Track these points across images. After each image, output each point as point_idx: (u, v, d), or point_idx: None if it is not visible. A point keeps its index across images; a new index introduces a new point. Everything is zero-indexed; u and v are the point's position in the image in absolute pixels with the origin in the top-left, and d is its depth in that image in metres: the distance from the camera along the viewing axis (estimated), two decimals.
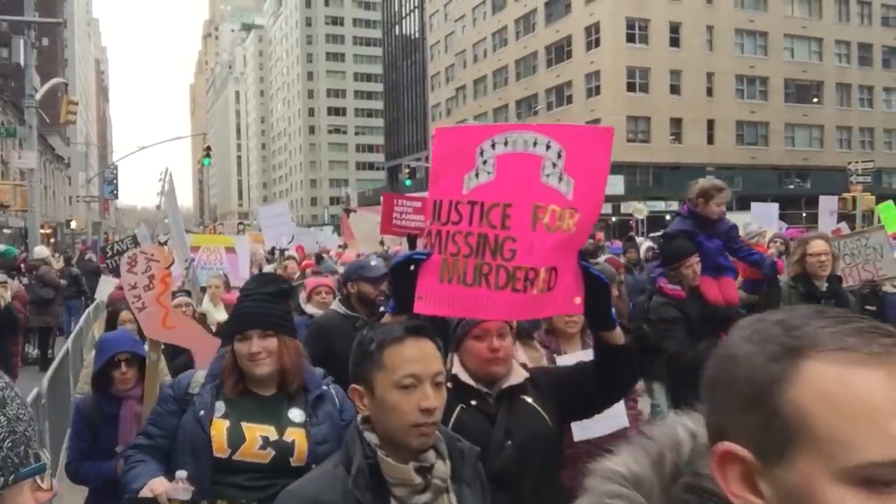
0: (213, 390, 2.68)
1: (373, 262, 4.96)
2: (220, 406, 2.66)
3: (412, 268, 2.27)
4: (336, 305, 5.08)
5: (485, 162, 2.25)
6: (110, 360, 3.79)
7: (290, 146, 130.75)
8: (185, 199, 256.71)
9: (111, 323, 5.72)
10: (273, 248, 14.37)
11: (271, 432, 2.62)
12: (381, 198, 9.83)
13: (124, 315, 5.57)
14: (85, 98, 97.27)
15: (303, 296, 6.74)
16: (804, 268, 5.13)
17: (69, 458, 3.93)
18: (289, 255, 12.44)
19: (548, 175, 2.21)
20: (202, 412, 2.62)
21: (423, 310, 2.24)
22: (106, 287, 10.16)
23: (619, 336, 2.36)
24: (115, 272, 12.98)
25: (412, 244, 8.46)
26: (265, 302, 2.72)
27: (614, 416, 3.32)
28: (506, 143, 2.24)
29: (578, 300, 2.25)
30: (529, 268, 2.16)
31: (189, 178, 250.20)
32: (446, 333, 4.66)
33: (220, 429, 2.61)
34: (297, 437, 2.63)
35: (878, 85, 58.39)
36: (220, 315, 7.24)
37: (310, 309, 6.13)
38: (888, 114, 58.93)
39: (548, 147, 2.23)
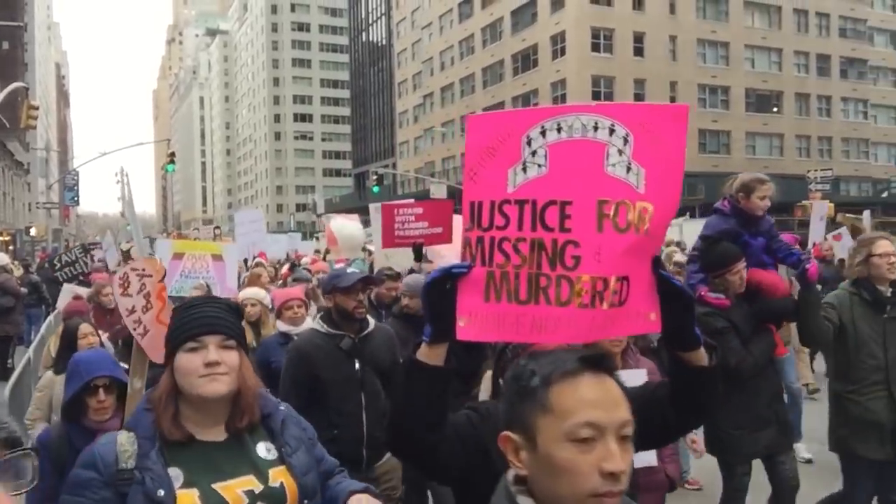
0: (158, 456, 2.00)
1: (348, 270, 4.51)
2: (177, 473, 2.00)
3: (448, 285, 1.89)
4: (315, 323, 4.54)
5: (534, 153, 1.91)
6: (86, 386, 3.26)
7: (256, 152, 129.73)
8: (148, 205, 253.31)
9: (68, 340, 5.12)
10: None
11: (253, 483, 2.07)
12: (381, 209, 9.07)
13: (84, 329, 5.17)
14: (45, 103, 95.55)
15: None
16: (869, 271, 4.60)
17: (29, 502, 3.34)
18: (257, 261, 11.77)
19: (613, 165, 1.88)
20: (160, 492, 1.94)
21: (468, 335, 1.89)
22: (67, 297, 9.50)
23: (702, 356, 1.97)
24: (74, 280, 12.66)
25: (419, 254, 8.26)
26: (222, 309, 2.20)
27: (645, 454, 3.07)
28: (559, 129, 1.90)
29: (654, 316, 1.91)
30: (598, 277, 1.84)
31: (152, 185, 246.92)
32: (478, 360, 4.43)
33: (190, 502, 1.98)
34: (282, 478, 2.11)
35: (835, 95, 59.81)
36: None
37: (282, 326, 5.57)
38: (845, 123, 60.37)
39: (611, 131, 1.89)
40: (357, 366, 4.24)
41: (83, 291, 9.22)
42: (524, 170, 1.90)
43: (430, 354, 1.91)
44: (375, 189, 53.64)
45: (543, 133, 1.91)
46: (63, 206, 57.63)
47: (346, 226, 13.41)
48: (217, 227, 28.69)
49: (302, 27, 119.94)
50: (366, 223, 12.90)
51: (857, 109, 61.39)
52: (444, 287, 1.90)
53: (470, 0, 63.27)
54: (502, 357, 2.39)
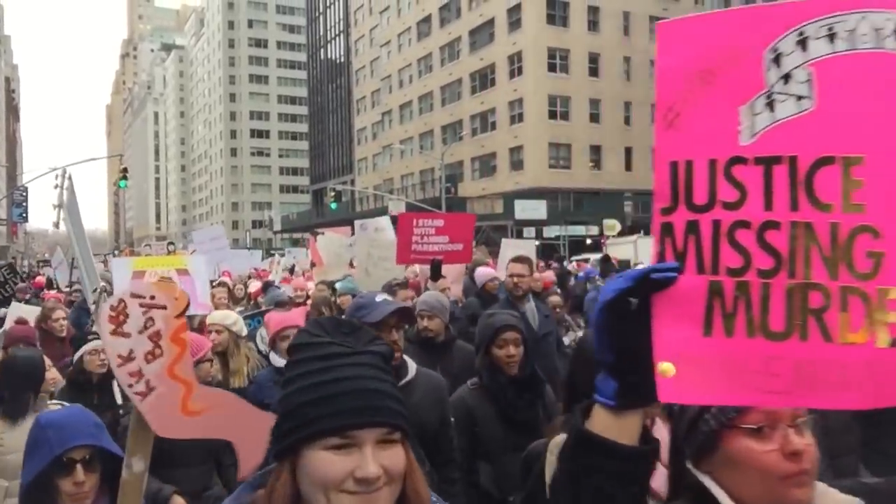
0: None
1: (378, 298, 3.37)
2: None
3: (632, 300, 1.14)
4: None
5: (787, 77, 1.14)
6: (57, 461, 2.36)
7: (212, 168, 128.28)
8: (100, 222, 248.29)
9: (19, 377, 3.91)
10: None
11: None
12: (399, 220, 8.19)
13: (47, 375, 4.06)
14: None
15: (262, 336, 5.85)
16: None
17: None
18: (220, 279, 10.83)
19: None
20: None
21: (678, 395, 1.13)
22: (16, 315, 8.21)
23: None
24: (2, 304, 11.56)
25: (436, 272, 7.13)
26: (377, 368, 1.31)
27: None
28: (831, 36, 1.11)
29: None
30: None
31: (104, 201, 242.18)
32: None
33: None
34: None
35: None
36: None
37: (277, 360, 4.56)
38: None
39: None
40: None
41: (31, 312, 8.03)
42: (771, 106, 1.15)
43: (616, 427, 1.16)
44: (333, 205, 53.49)
45: (804, 42, 1.13)
46: (10, 222, 56.20)
47: (332, 241, 12.65)
48: (171, 244, 27.06)
49: (259, 43, 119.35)
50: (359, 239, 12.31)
51: None
52: (627, 307, 1.14)
53: (428, 19, 63.73)
54: (697, 426, 1.43)
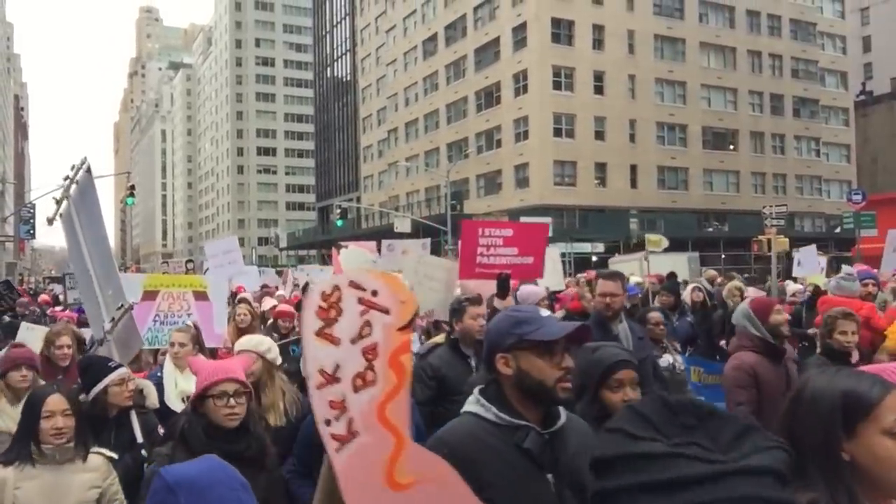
0: None
1: (543, 312, 2.52)
2: None
3: None
4: (475, 403, 2.40)
5: None
6: None
7: (218, 186, 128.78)
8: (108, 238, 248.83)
9: (27, 418, 3.42)
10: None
11: None
12: (462, 227, 7.31)
13: (53, 403, 3.37)
14: (2, 135, 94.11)
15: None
16: None
17: None
18: (241, 296, 9.97)
19: None
20: None
21: None
22: (28, 337, 7.18)
23: None
24: (33, 318, 11.07)
25: (504, 288, 6.51)
26: None
27: None
28: None
29: None
30: None
31: (111, 218, 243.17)
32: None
33: None
34: None
35: (789, 133, 61.52)
36: (187, 385, 4.78)
37: None
38: (799, 161, 62.06)
39: None
40: (551, 480, 2.31)
41: (41, 333, 7.02)
42: None
43: None
44: (339, 223, 53.60)
45: None
46: (18, 239, 56.45)
47: (357, 255, 11.66)
48: (190, 261, 25.03)
49: (266, 62, 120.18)
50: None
51: (810, 147, 63.20)
52: None
53: (434, 38, 64.14)
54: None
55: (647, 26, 55.02)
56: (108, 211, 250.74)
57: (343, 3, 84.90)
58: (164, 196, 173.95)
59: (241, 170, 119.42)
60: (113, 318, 4.87)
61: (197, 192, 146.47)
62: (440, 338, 5.63)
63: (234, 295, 10.53)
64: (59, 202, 5.15)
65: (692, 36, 57.09)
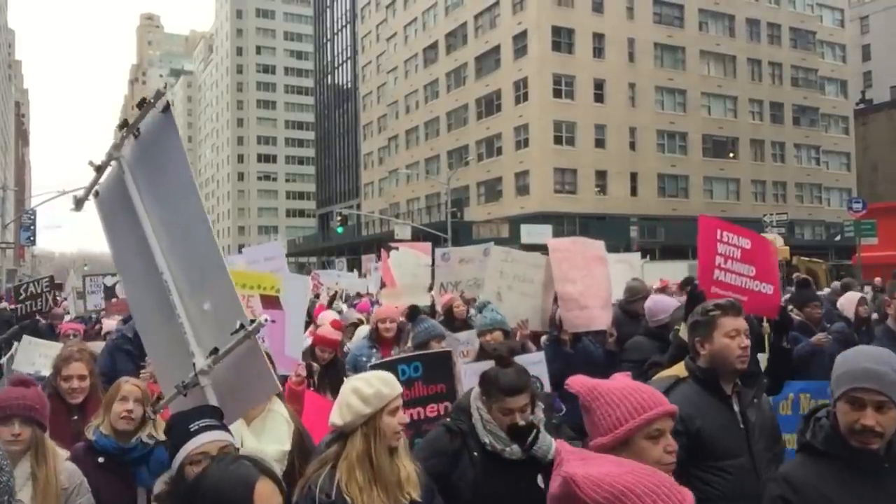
0: None
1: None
2: None
3: None
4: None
5: None
6: None
7: (219, 192, 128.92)
8: (107, 245, 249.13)
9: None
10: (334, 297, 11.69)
11: None
12: (700, 222, 5.53)
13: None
14: (3, 141, 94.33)
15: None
16: None
17: None
18: (331, 291, 9.28)
19: None
20: None
21: None
22: (30, 353, 6.55)
23: None
24: (33, 328, 10.50)
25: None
26: None
27: None
28: None
29: None
30: None
31: None
32: None
33: None
34: None
35: (788, 141, 61.61)
36: (259, 443, 3.62)
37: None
38: (799, 168, 62.13)
39: None
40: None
41: (48, 349, 6.44)
42: None
43: None
44: (339, 230, 53.64)
45: None
46: (18, 245, 56.48)
47: (408, 257, 10.55)
48: None
49: (267, 69, 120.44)
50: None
51: (810, 155, 63.28)
52: None
53: (435, 46, 64.29)
54: None
55: (648, 34, 55.17)
56: None
57: (344, 11, 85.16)
58: None
59: (241, 176, 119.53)
60: (215, 351, 2.93)
61: None
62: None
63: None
64: (100, 169, 3.44)
65: (692, 44, 57.23)
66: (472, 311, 8.22)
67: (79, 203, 3.59)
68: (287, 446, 3.63)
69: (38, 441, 3.22)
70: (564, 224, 50.74)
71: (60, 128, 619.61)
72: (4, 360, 8.41)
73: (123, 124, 3.12)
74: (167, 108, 2.99)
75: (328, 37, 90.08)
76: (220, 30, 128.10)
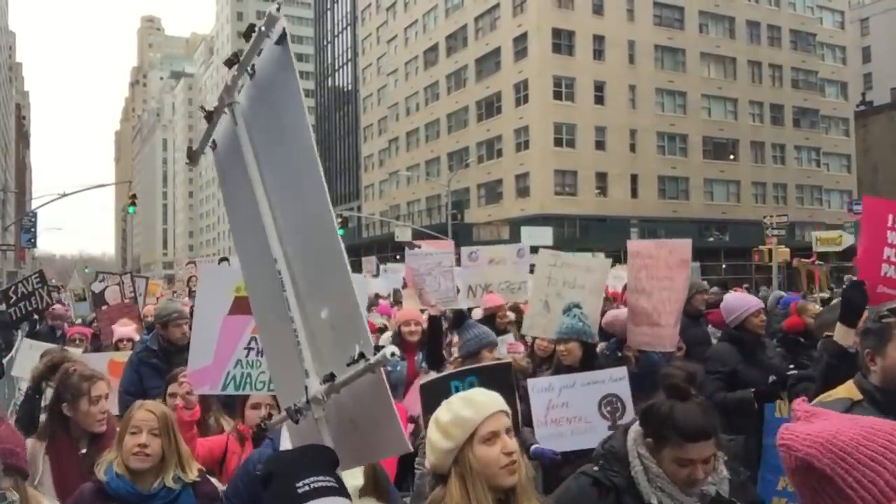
0: None
1: None
2: None
3: None
4: None
5: None
6: None
7: (219, 195, 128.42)
8: (108, 247, 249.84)
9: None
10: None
11: None
12: (863, 203, 4.74)
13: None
14: (4, 144, 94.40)
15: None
16: None
17: None
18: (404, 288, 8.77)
19: None
20: None
21: None
22: (28, 360, 6.21)
23: None
24: (31, 329, 10.50)
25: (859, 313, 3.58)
26: None
27: None
28: None
29: None
30: None
31: (111, 227, 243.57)
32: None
33: None
34: None
35: (789, 143, 61.61)
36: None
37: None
38: (799, 170, 62.12)
39: None
40: None
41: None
42: None
43: None
44: (340, 231, 53.59)
45: None
46: (19, 247, 56.50)
47: (428, 258, 9.66)
48: (224, 259, 19.98)
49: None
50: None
51: (810, 157, 63.27)
52: None
53: (435, 48, 64.34)
54: None
55: (648, 36, 55.20)
56: (109, 220, 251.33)
57: (344, 14, 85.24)
58: (165, 205, 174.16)
59: None
60: (330, 377, 2.05)
61: (198, 200, 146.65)
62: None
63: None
64: (211, 116, 2.61)
65: (692, 46, 57.25)
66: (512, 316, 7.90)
67: (193, 155, 2.83)
68: (360, 481, 2.85)
69: (22, 497, 2.48)
70: (565, 226, 50.77)
71: (61, 130, 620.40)
72: (5, 361, 8.56)
73: (233, 59, 2.28)
74: (283, 39, 2.12)
75: (329, 39, 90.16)
76: (221, 32, 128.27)
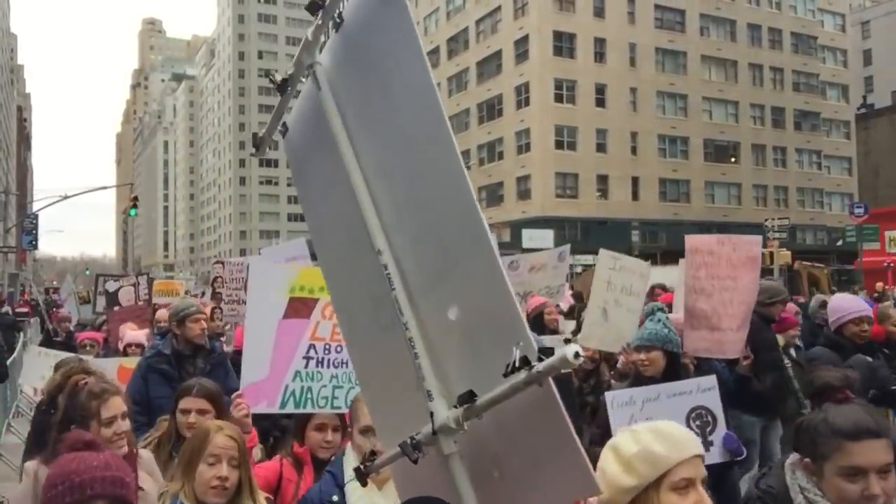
0: None
1: None
2: None
3: None
4: None
5: None
6: None
7: (220, 197, 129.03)
8: (109, 249, 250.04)
9: None
10: None
11: None
12: None
13: None
14: (5, 146, 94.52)
15: None
16: None
17: None
18: None
19: None
20: None
21: None
22: (36, 368, 5.93)
23: None
24: (48, 340, 10.68)
25: None
26: None
27: None
28: None
29: None
30: None
31: (112, 229, 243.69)
32: None
33: None
34: None
35: (790, 146, 61.59)
36: None
37: None
38: (800, 173, 62.09)
39: None
40: None
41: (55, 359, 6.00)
42: None
43: None
44: None
45: None
46: (20, 250, 56.53)
47: None
48: (219, 262, 16.22)
49: (269, 74, 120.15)
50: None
51: (812, 160, 63.25)
52: None
53: (437, 50, 64.36)
54: None
55: (649, 39, 55.22)
56: (110, 222, 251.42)
57: None
58: (166, 207, 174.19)
59: (243, 181, 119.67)
60: (469, 398, 1.51)
61: (199, 203, 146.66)
62: None
63: None
64: (285, 87, 2.16)
65: (693, 49, 57.27)
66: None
67: (260, 143, 2.24)
68: None
69: None
70: (566, 228, 50.73)
71: (62, 132, 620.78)
72: (8, 362, 8.31)
73: (314, 5, 1.77)
74: None
75: None
76: (223, 34, 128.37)
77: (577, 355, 1.25)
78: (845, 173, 65.94)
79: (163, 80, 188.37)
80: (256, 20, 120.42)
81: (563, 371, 1.32)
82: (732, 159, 59.10)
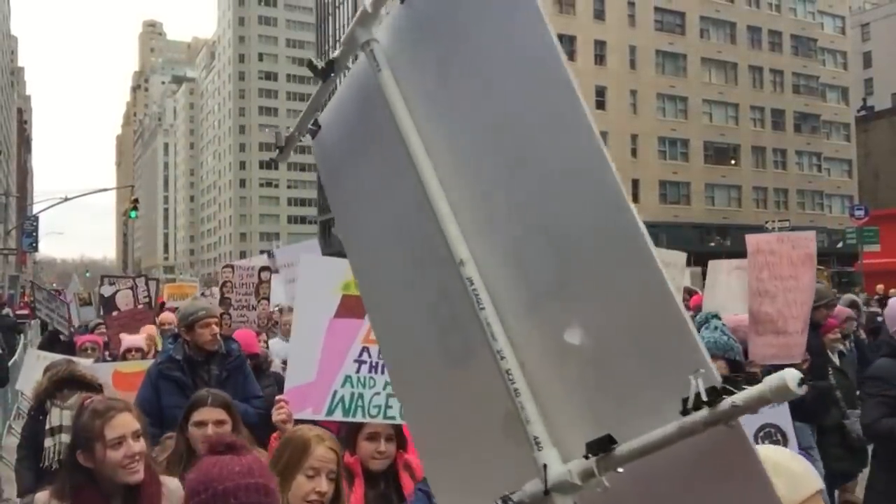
0: None
1: None
2: None
3: None
4: None
5: None
6: None
7: (220, 199, 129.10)
8: (109, 251, 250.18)
9: None
10: None
11: None
12: None
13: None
14: (6, 148, 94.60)
15: None
16: None
17: None
18: None
19: None
20: None
21: None
22: (34, 371, 5.76)
23: None
24: (52, 341, 10.52)
25: None
26: None
27: None
28: None
29: None
30: None
31: (112, 231, 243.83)
32: None
33: None
34: None
35: (790, 148, 61.64)
36: None
37: None
38: (800, 175, 62.13)
39: None
40: None
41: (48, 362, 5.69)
42: None
43: None
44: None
45: None
46: (21, 252, 56.53)
47: None
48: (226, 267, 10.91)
49: (269, 76, 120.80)
50: None
51: (812, 162, 63.30)
52: None
53: None
54: None
55: (649, 42, 55.28)
56: (110, 224, 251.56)
57: (346, 19, 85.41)
58: (166, 209, 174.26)
59: (243, 183, 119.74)
60: (605, 444, 1.11)
61: (199, 205, 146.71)
62: None
63: None
64: (328, 71, 1.79)
65: (693, 51, 57.33)
66: None
67: (287, 143, 1.87)
68: None
69: None
70: None
71: (63, 134, 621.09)
72: (9, 364, 8.26)
73: None
74: None
75: (330, 44, 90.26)
76: (223, 37, 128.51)
77: (801, 383, 0.93)
78: (845, 175, 65.98)
79: (163, 83, 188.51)
80: (257, 23, 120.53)
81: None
82: (732, 161, 59.14)
